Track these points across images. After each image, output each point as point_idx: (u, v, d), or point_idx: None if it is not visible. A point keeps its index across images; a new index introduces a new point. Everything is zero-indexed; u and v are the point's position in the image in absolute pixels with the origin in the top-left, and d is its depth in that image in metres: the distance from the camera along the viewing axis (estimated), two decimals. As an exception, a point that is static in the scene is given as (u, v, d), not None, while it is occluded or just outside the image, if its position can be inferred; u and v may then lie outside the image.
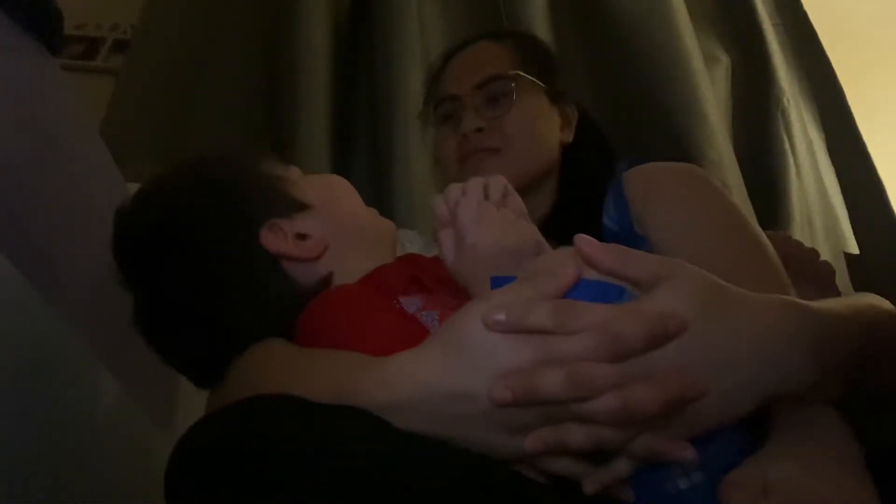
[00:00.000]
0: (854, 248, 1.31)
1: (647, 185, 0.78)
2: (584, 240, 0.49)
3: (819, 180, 1.41)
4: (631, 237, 0.75)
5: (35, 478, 0.68)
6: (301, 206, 0.72)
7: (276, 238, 0.69)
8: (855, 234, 1.35)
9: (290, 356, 0.60)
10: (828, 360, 0.48)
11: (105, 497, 0.78)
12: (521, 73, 0.92)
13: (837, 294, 0.93)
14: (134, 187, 0.93)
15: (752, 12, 1.43)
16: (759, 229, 0.72)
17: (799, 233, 1.30)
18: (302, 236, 0.70)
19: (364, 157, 1.39)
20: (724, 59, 1.46)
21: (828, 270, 0.98)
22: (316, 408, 0.47)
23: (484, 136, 0.90)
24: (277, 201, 0.71)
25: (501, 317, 0.45)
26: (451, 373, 0.46)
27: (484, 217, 0.61)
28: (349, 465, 0.43)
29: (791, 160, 1.37)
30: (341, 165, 1.34)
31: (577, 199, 0.90)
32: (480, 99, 0.91)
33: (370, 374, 0.50)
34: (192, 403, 0.71)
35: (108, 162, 0.94)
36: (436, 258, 0.78)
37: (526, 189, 0.90)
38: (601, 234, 0.88)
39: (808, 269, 0.93)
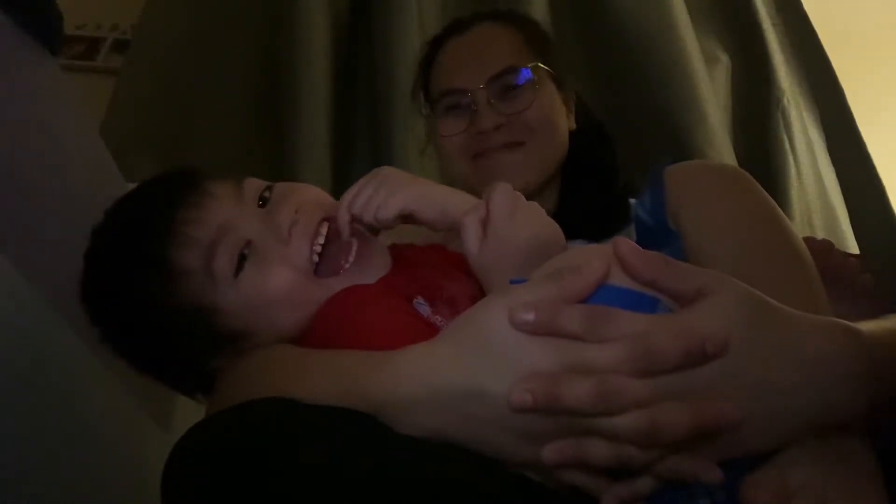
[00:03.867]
0: (854, 248, 1.31)
1: (687, 181, 0.72)
2: (623, 244, 0.45)
3: (819, 180, 1.40)
4: (663, 232, 0.70)
5: (33, 478, 0.68)
6: (231, 340, 0.63)
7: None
8: (855, 234, 1.35)
9: (293, 357, 0.58)
10: (878, 391, 0.44)
11: (103, 497, 0.77)
12: (540, 65, 0.88)
13: (875, 309, 0.86)
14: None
15: (752, 12, 1.43)
16: (799, 239, 0.66)
17: (799, 232, 1.30)
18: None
19: (364, 156, 1.39)
20: (724, 59, 1.46)
21: (867, 285, 0.92)
22: (314, 411, 0.46)
23: (504, 133, 0.85)
24: (206, 346, 0.64)
25: (530, 316, 0.42)
26: (467, 369, 0.44)
27: (519, 210, 0.58)
28: (346, 471, 0.42)
29: (791, 160, 1.37)
30: (341, 165, 1.34)
31: (587, 192, 0.87)
32: (494, 91, 0.86)
33: (378, 370, 0.48)
34: (192, 403, 0.71)
35: (108, 162, 0.94)
36: (423, 251, 0.76)
37: (541, 184, 0.87)
38: (614, 230, 0.87)
39: (846, 283, 0.87)
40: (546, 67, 0.89)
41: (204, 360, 0.64)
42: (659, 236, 0.67)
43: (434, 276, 0.68)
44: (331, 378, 0.51)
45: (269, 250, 0.63)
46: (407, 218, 0.65)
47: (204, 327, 0.62)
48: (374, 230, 0.67)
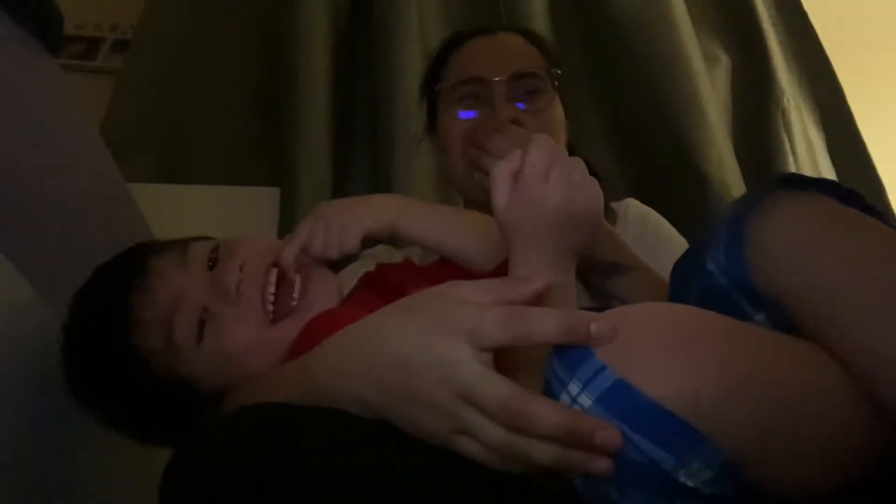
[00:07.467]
0: (854, 249, 1.31)
1: (792, 238, 0.49)
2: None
3: (819, 180, 1.40)
4: (743, 293, 0.51)
5: (33, 479, 0.68)
6: (215, 396, 0.64)
7: None
8: (855, 234, 1.35)
9: (262, 377, 0.61)
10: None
11: (103, 498, 0.78)
12: (556, 81, 0.94)
13: None
14: (134, 187, 0.93)
15: (752, 12, 1.43)
16: None
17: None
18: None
19: (364, 156, 1.39)
20: (724, 59, 1.46)
21: None
22: (311, 413, 0.47)
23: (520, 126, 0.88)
24: (193, 409, 0.66)
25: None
26: (387, 336, 0.45)
27: (556, 169, 0.54)
28: (347, 473, 0.42)
29: (791, 160, 1.37)
30: (341, 166, 1.34)
31: None
32: (514, 88, 0.90)
33: (317, 350, 0.51)
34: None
35: (108, 162, 0.94)
36: (392, 265, 0.78)
37: None
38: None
39: None
40: (557, 83, 0.94)
41: (196, 418, 0.65)
42: (734, 297, 0.52)
43: (400, 283, 0.70)
44: (294, 377, 0.53)
45: (222, 313, 0.65)
46: (369, 239, 0.70)
47: (185, 396, 0.65)
48: (334, 261, 0.70)
